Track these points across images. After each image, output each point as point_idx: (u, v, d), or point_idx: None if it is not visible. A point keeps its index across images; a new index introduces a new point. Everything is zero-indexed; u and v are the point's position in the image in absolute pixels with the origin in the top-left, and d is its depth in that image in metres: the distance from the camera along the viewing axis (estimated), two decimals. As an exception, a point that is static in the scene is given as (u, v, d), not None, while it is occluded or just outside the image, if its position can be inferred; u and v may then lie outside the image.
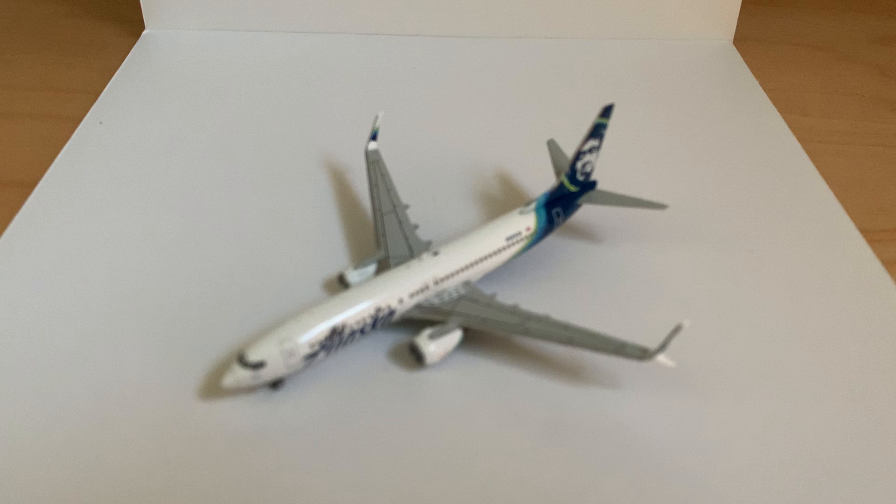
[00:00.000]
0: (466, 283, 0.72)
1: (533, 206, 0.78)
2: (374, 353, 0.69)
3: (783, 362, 0.70)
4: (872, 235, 0.86)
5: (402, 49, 1.19)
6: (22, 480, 0.59)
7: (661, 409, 0.65)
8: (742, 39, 1.24)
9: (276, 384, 0.65)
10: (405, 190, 0.83)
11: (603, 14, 1.21)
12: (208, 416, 0.64)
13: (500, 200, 0.89)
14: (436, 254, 0.72)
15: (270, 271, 0.78)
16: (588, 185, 0.82)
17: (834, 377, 0.69)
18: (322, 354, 0.65)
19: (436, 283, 0.70)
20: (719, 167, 0.96)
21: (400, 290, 0.69)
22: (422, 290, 0.70)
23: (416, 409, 0.65)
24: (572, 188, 0.80)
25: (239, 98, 1.06)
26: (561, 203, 0.80)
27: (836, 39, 1.30)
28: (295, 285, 0.75)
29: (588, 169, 0.81)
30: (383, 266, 0.74)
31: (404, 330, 0.71)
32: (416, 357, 0.68)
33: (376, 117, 0.87)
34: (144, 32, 1.19)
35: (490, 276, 0.76)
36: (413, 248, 0.75)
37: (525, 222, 0.77)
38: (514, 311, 0.69)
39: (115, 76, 1.09)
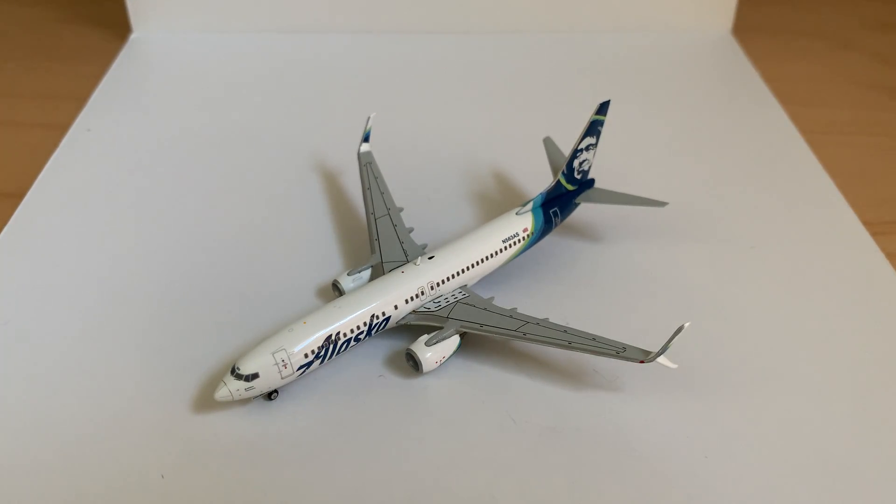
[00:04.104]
0: (463, 288, 0.71)
1: (530, 206, 0.77)
2: (370, 361, 0.68)
3: (786, 360, 0.69)
4: (876, 228, 0.85)
5: (393, 47, 1.17)
6: (14, 494, 0.58)
7: (663, 411, 0.64)
8: (741, 29, 1.22)
9: (270, 394, 0.64)
10: (399, 192, 0.81)
11: (598, 6, 1.19)
12: (203, 428, 0.62)
13: (497, 201, 0.87)
14: (431, 258, 0.71)
15: (263, 279, 0.77)
16: (586, 184, 0.81)
17: (838, 374, 0.68)
18: (317, 363, 0.64)
19: (432, 287, 0.69)
20: (720, 161, 0.95)
21: (395, 295, 0.67)
22: (417, 296, 0.68)
23: (414, 417, 0.64)
24: (570, 187, 0.79)
25: (228, 101, 1.05)
26: (558, 202, 0.78)
27: (836, 27, 1.28)
28: (288, 293, 0.74)
29: (585, 167, 0.79)
30: (378, 271, 0.72)
31: (400, 336, 0.70)
32: (412, 364, 0.66)
33: (368, 119, 0.86)
34: (131, 36, 1.18)
35: (487, 279, 0.75)
36: (408, 252, 0.74)
37: (522, 223, 0.76)
38: (512, 314, 0.68)
39: (102, 81, 1.08)
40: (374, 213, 0.78)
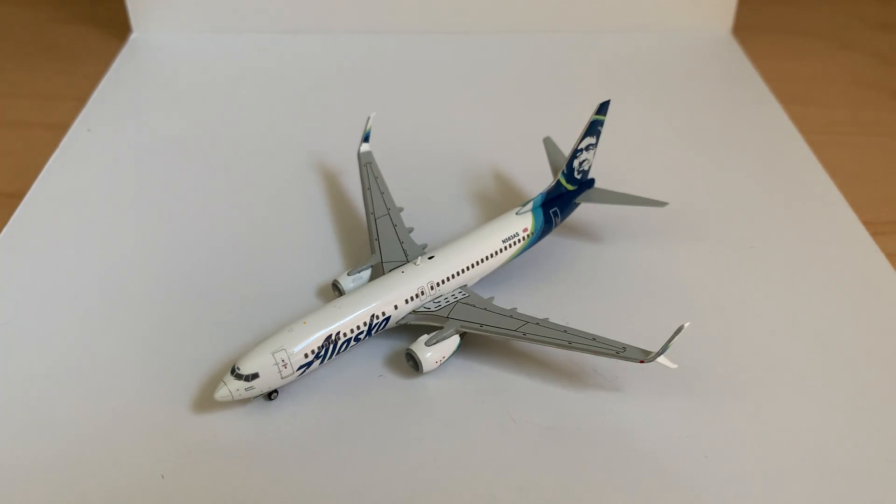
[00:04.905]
0: (463, 288, 0.71)
1: (530, 206, 0.77)
2: (370, 361, 0.68)
3: (786, 361, 0.69)
4: (876, 227, 0.85)
5: (392, 47, 1.17)
6: (14, 494, 0.58)
7: (663, 411, 0.64)
8: (741, 29, 1.22)
9: (270, 394, 0.64)
10: (399, 192, 0.81)
11: (598, 6, 1.19)
12: (203, 428, 0.62)
13: (497, 201, 0.87)
14: (431, 258, 0.71)
15: (263, 279, 0.76)
16: (586, 184, 0.81)
17: (838, 374, 0.68)
18: (317, 363, 0.64)
19: (432, 287, 0.69)
20: (720, 161, 0.95)
21: (395, 295, 0.67)
22: (417, 296, 0.68)
23: (414, 417, 0.64)
24: (570, 187, 0.79)
25: (228, 101, 1.05)
26: (558, 202, 0.78)
27: (836, 27, 1.28)
28: (288, 293, 0.74)
29: (585, 167, 0.79)
30: (378, 271, 0.72)
31: (400, 336, 0.69)
32: (412, 364, 0.66)
33: (368, 119, 0.86)
34: (131, 36, 1.18)
35: (487, 279, 0.75)
36: (408, 252, 0.74)
37: (522, 223, 0.76)
38: (512, 314, 0.68)
39: (102, 81, 1.08)
40: (374, 213, 0.78)
